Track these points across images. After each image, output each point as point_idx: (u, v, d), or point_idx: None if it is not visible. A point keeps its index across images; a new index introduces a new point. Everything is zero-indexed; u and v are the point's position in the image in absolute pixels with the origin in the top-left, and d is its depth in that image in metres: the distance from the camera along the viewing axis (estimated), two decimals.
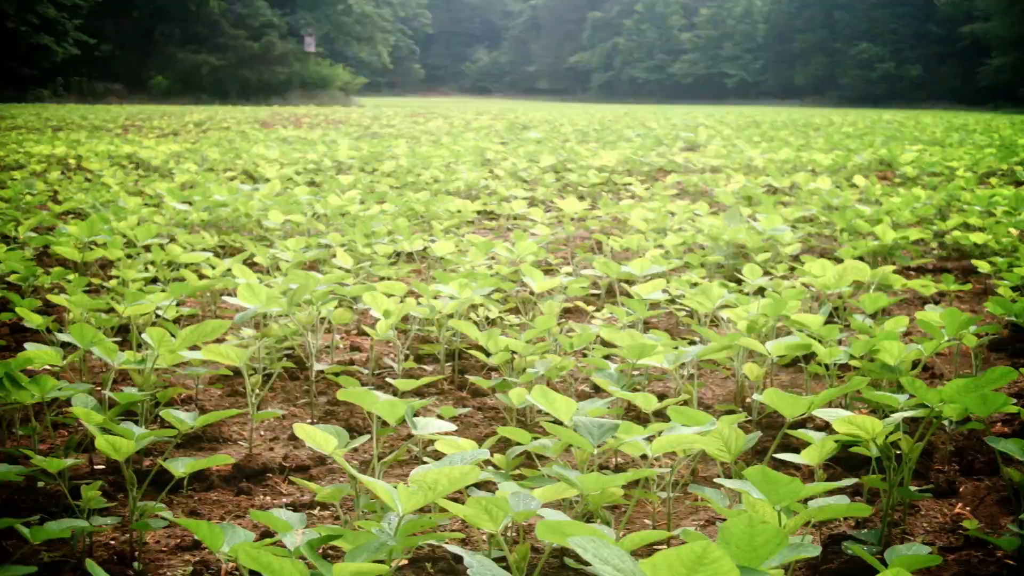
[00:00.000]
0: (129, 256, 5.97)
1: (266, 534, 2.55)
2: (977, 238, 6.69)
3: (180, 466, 2.50)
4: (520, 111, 42.36)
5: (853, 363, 3.41)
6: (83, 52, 56.31)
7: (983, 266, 5.56)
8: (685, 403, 3.31)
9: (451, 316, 4.26)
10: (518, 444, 2.67)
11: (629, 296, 4.67)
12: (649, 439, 2.40)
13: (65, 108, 39.57)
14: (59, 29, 54.74)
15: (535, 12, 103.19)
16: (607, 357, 4.05)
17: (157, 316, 4.37)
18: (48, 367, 3.70)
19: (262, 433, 3.55)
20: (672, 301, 5.07)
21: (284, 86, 62.60)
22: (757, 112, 44.74)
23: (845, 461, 3.13)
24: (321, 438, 2.29)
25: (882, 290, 4.76)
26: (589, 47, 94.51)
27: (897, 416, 2.52)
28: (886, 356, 3.18)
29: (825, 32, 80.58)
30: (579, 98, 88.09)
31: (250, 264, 6.42)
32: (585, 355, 4.04)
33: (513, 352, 3.77)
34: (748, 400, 3.68)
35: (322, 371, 3.92)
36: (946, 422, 3.28)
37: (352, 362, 4.38)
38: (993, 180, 10.98)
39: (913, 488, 2.69)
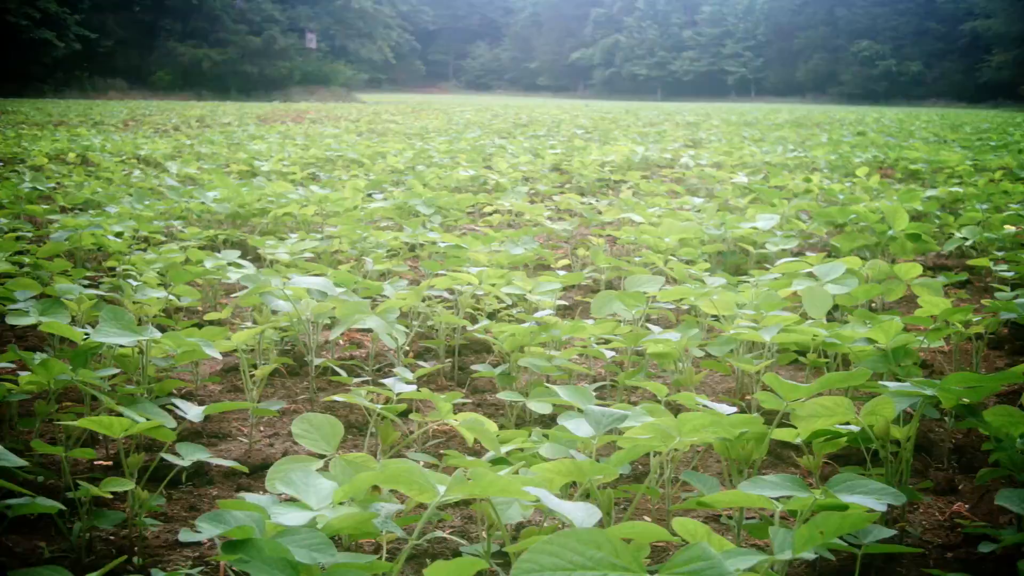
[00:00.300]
0: (134, 249, 5.97)
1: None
2: (977, 235, 6.68)
3: (185, 461, 2.51)
4: (521, 107, 42.36)
5: (853, 358, 3.41)
6: (84, 47, 56.34)
7: (982, 262, 5.55)
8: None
9: (450, 311, 4.26)
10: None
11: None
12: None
13: (66, 103, 39.57)
14: (60, 24, 54.76)
15: (536, 8, 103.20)
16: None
17: (163, 311, 4.37)
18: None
19: (262, 429, 3.56)
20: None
21: (285, 81, 62.61)
22: (758, 109, 44.72)
23: (844, 458, 3.13)
24: (328, 429, 2.29)
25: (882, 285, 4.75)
26: (590, 44, 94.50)
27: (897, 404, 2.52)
28: (880, 336, 3.18)
29: (826, 29, 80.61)
30: (580, 95, 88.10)
31: (252, 259, 6.41)
32: (585, 347, 4.03)
33: (511, 351, 3.76)
34: (748, 397, 3.69)
35: (321, 366, 3.92)
36: (946, 420, 3.29)
37: (352, 357, 4.38)
38: (997, 175, 10.97)
39: (911, 486, 2.69)
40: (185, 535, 2.04)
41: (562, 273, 5.05)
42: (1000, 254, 6.08)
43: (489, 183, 10.73)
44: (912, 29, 76.43)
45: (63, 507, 2.38)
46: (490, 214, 8.61)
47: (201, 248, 6.13)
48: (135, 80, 59.17)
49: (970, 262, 5.89)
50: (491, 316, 4.77)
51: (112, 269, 5.56)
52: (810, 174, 10.82)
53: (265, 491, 3.02)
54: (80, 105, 37.41)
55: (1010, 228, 6.76)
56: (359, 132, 21.20)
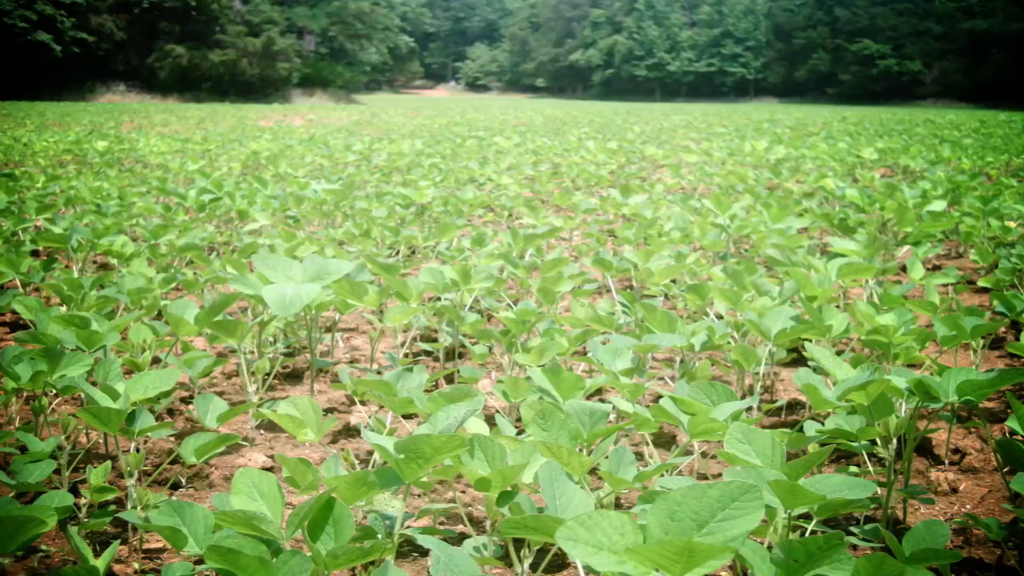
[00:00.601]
0: (140, 248, 5.96)
1: None
2: (976, 233, 6.68)
3: (190, 455, 2.53)
4: (520, 108, 42.39)
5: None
6: (83, 49, 56.35)
7: (979, 255, 5.55)
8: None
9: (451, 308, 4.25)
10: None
11: (631, 288, 4.67)
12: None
13: (65, 106, 39.58)
14: (58, 27, 54.78)
15: (535, 10, 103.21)
16: None
17: (160, 314, 4.36)
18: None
19: (262, 432, 3.55)
20: (669, 296, 5.06)
21: (284, 83, 62.65)
22: (757, 109, 44.78)
23: (847, 457, 3.12)
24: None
25: (885, 284, 4.76)
26: (589, 45, 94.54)
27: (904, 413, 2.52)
28: (882, 334, 3.18)
29: (826, 29, 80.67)
30: (579, 96, 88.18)
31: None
32: (587, 350, 4.04)
33: (506, 344, 3.77)
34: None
35: (322, 370, 3.92)
36: (948, 423, 3.28)
37: (352, 361, 4.38)
38: (993, 173, 10.99)
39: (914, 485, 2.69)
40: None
41: (564, 273, 5.04)
42: (1000, 253, 6.08)
43: (488, 183, 10.73)
44: (911, 29, 76.44)
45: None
46: (489, 212, 8.61)
47: (204, 245, 6.12)
48: (133, 82, 59.18)
49: (972, 259, 5.90)
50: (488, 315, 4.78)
51: (112, 267, 5.56)
52: (811, 173, 10.82)
53: None
54: (78, 107, 37.42)
55: (1011, 225, 6.76)
56: (361, 132, 21.21)
